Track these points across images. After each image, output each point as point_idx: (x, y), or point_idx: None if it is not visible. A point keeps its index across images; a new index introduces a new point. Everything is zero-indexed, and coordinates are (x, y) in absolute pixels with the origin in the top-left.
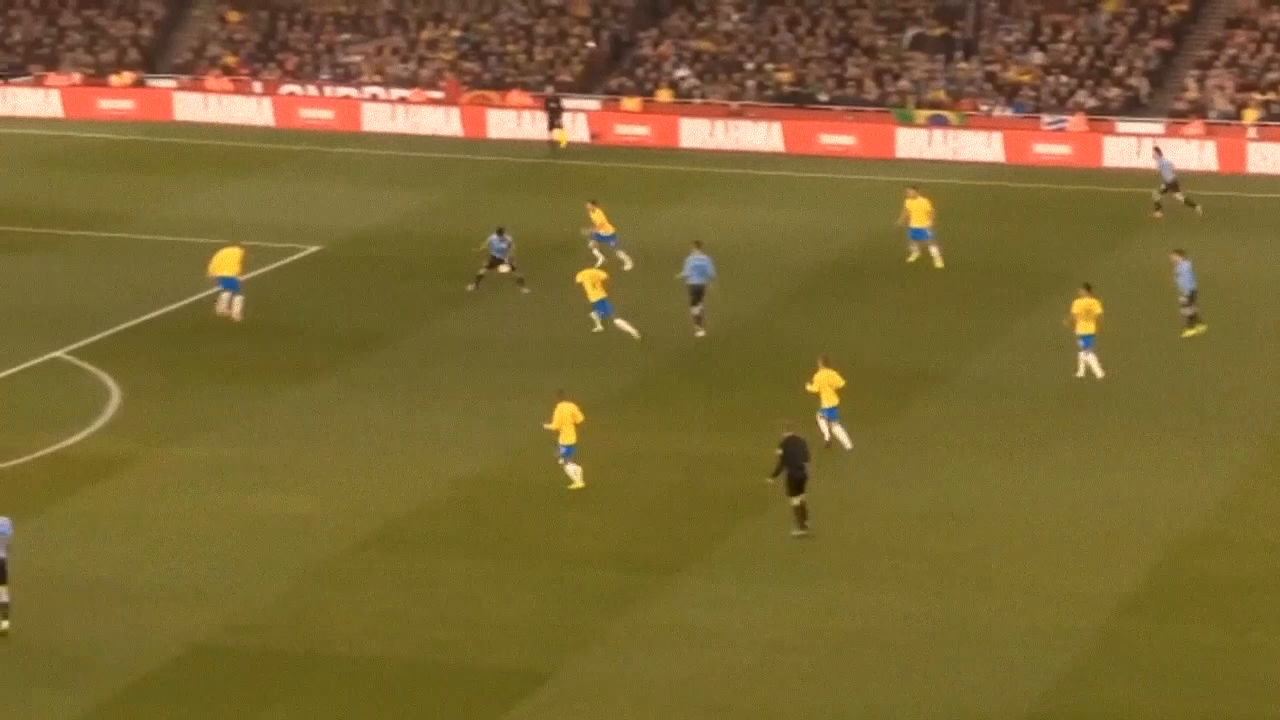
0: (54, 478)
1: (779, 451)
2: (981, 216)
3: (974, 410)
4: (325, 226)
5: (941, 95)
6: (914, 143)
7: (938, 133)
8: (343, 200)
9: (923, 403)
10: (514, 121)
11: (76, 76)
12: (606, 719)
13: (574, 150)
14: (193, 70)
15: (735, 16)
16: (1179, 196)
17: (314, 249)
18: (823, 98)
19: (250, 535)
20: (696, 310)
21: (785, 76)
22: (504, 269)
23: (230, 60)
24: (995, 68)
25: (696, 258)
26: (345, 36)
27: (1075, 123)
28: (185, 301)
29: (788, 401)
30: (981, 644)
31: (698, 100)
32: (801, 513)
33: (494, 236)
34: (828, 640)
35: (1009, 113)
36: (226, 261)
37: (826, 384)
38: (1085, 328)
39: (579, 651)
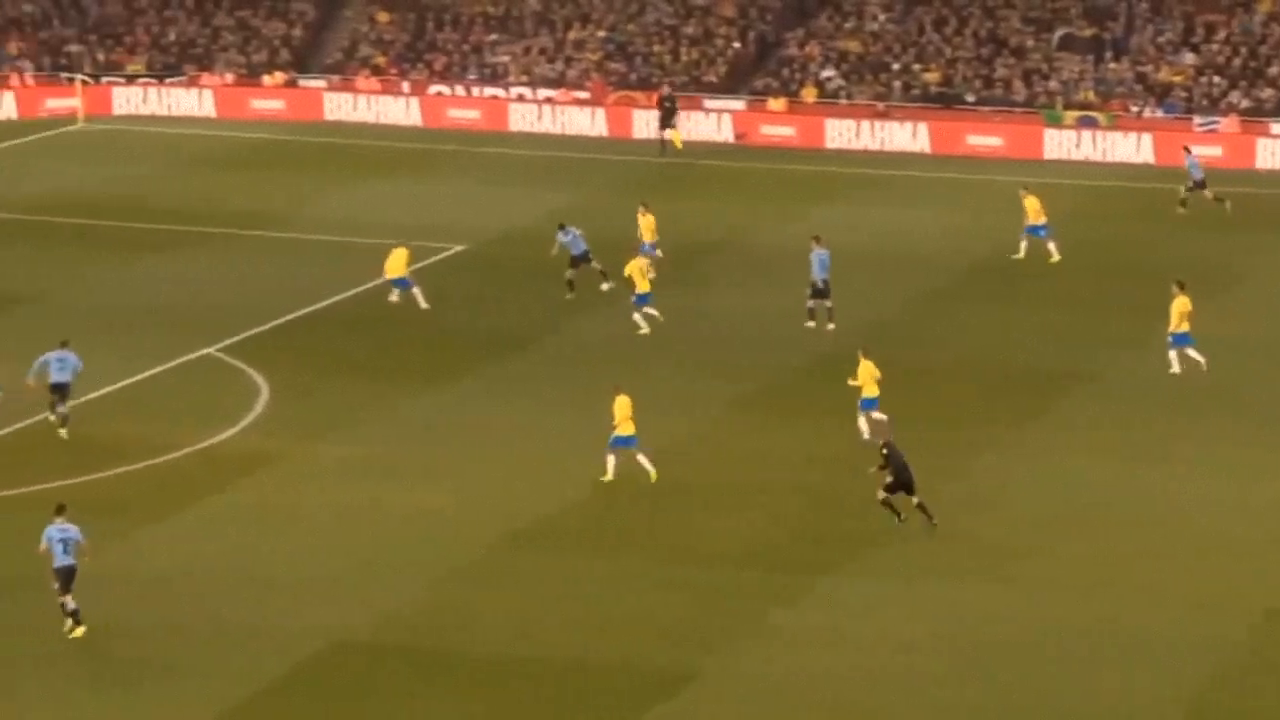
0: (203, 473)
1: (883, 456)
2: (1130, 218)
3: (1119, 412)
4: (471, 226)
5: (1091, 96)
6: (1062, 144)
7: (1086, 134)
8: (488, 200)
9: (1066, 404)
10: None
11: (229, 77)
12: (755, 716)
13: (719, 150)
14: (343, 70)
15: (882, 17)
16: (1207, 194)
17: (459, 248)
18: (969, 98)
19: (393, 532)
20: (818, 304)
21: (932, 77)
22: (594, 264)
23: (380, 60)
24: (1146, 68)
25: (819, 252)
26: (493, 37)
27: (1228, 124)
28: (333, 299)
29: (924, 401)
30: (1126, 648)
31: (843, 101)
32: (925, 510)
33: (559, 234)
34: (968, 643)
35: (1159, 114)
36: (395, 263)
37: (868, 376)
38: (1181, 326)
39: (719, 651)
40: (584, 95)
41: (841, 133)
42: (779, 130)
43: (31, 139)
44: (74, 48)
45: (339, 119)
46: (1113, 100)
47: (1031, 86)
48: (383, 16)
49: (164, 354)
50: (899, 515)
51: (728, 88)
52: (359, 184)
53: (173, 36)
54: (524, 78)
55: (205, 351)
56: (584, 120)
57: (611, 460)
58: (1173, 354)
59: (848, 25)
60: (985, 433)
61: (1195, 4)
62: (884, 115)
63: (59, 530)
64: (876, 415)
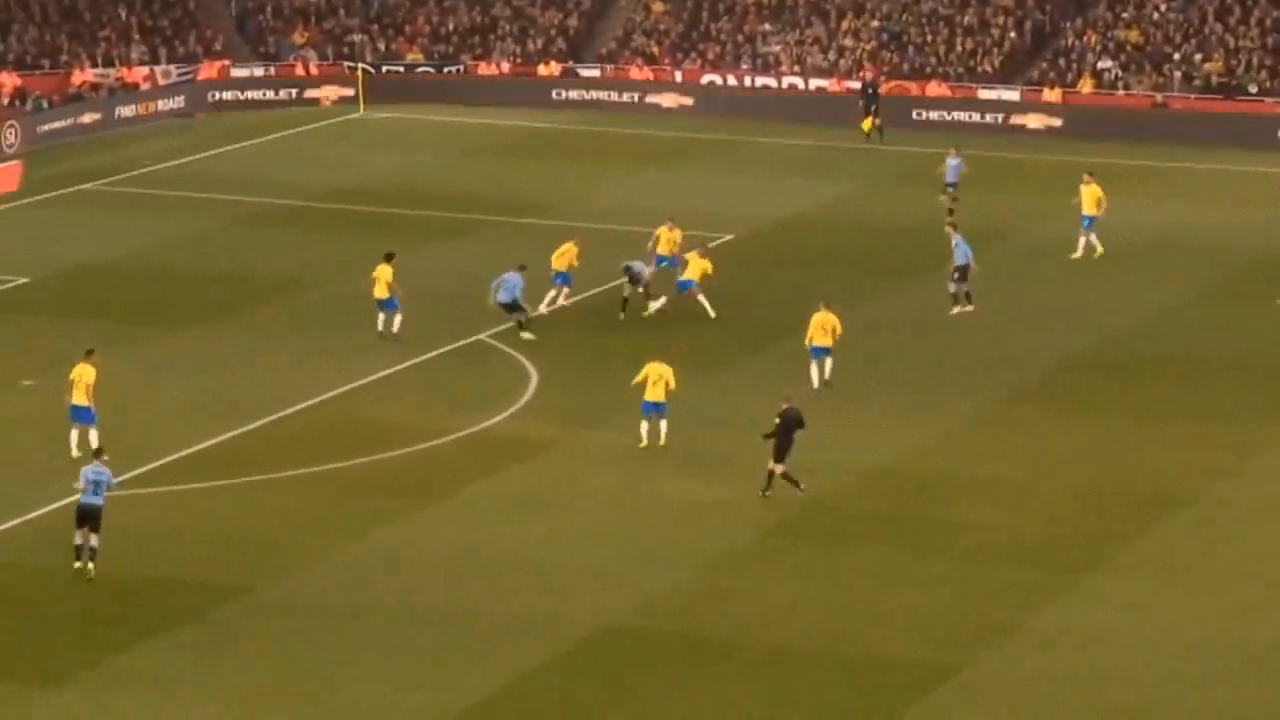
0: (474, 458)
1: (776, 421)
2: None
3: None
4: (740, 215)
5: None
6: None
7: None
8: (758, 189)
9: None
10: (933, 112)
11: (506, 66)
12: (1012, 717)
13: (991, 143)
14: (617, 59)
15: (1163, 6)
16: (943, 198)
17: (729, 237)
18: (1253, 90)
19: (661, 519)
20: (962, 288)
21: (1213, 67)
22: (640, 288)
23: (654, 50)
24: None
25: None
26: (766, 27)
27: None
28: (604, 287)
29: (1201, 399)
30: None
31: (1121, 92)
32: (772, 477)
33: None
34: (1243, 647)
35: None
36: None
37: (820, 326)
38: (1090, 210)
39: (985, 648)
40: (857, 85)
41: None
42: (1053, 121)
43: (313, 127)
44: (356, 37)
45: (613, 108)
46: None
47: None
48: (657, 6)
49: (438, 339)
50: (798, 485)
51: (1003, 78)
52: (632, 173)
53: (451, 26)
54: (796, 67)
55: (478, 337)
56: (855, 111)
57: (644, 426)
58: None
59: (1127, 14)
60: (1261, 432)
61: None
62: (1162, 106)
63: (94, 471)
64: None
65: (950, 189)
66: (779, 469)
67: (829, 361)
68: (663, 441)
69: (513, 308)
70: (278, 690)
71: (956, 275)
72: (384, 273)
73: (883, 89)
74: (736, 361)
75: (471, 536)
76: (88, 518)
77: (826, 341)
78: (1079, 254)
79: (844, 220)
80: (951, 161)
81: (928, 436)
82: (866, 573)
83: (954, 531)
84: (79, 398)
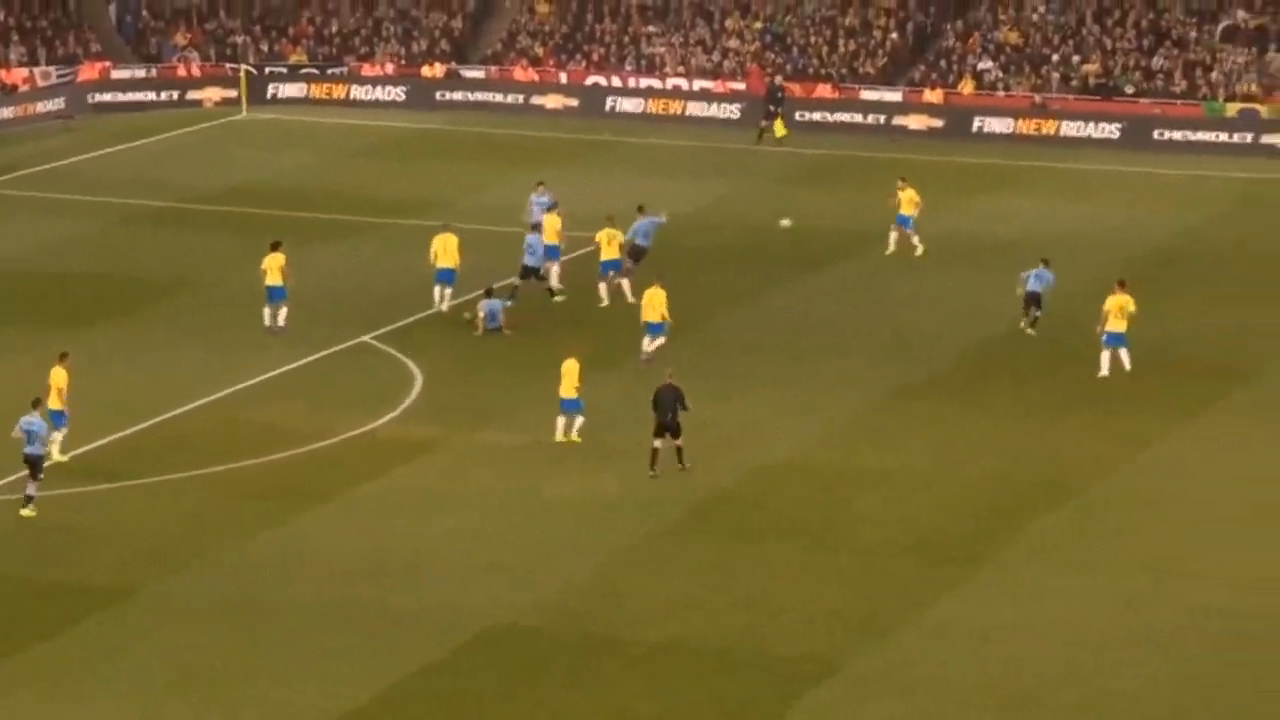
0: (361, 459)
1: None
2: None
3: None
4: (626, 215)
5: (1253, 88)
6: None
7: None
8: (645, 189)
9: (1231, 398)
10: (816, 113)
11: (389, 67)
12: (901, 711)
13: (874, 144)
14: (501, 61)
15: (1041, 8)
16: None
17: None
18: (1129, 90)
19: (551, 518)
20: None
21: (1091, 69)
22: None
23: (539, 51)
24: None
25: (1040, 272)
26: (651, 28)
27: None
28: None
29: (1088, 391)
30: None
31: (1001, 93)
32: (655, 455)
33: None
34: (1134, 636)
35: None
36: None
37: (651, 303)
38: (1116, 325)
39: (874, 641)
40: (740, 86)
41: (997, 124)
42: (933, 121)
43: (196, 128)
44: (238, 38)
45: (497, 109)
46: (1276, 92)
47: (1192, 79)
48: (543, 8)
49: (321, 341)
50: (652, 467)
51: (885, 79)
52: (516, 174)
53: (335, 28)
54: (681, 69)
55: (361, 339)
56: (740, 111)
57: (561, 422)
58: (1104, 355)
59: (1006, 17)
60: (1150, 424)
61: None
62: (1041, 107)
63: (26, 422)
64: (654, 345)
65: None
66: (657, 444)
67: (661, 339)
68: (575, 437)
69: (527, 272)
70: (173, 690)
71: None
72: (274, 261)
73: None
74: (624, 360)
75: (362, 536)
76: (35, 465)
77: (656, 319)
78: (891, 249)
79: (728, 220)
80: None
81: (821, 431)
82: (760, 568)
83: (847, 526)
84: (52, 402)
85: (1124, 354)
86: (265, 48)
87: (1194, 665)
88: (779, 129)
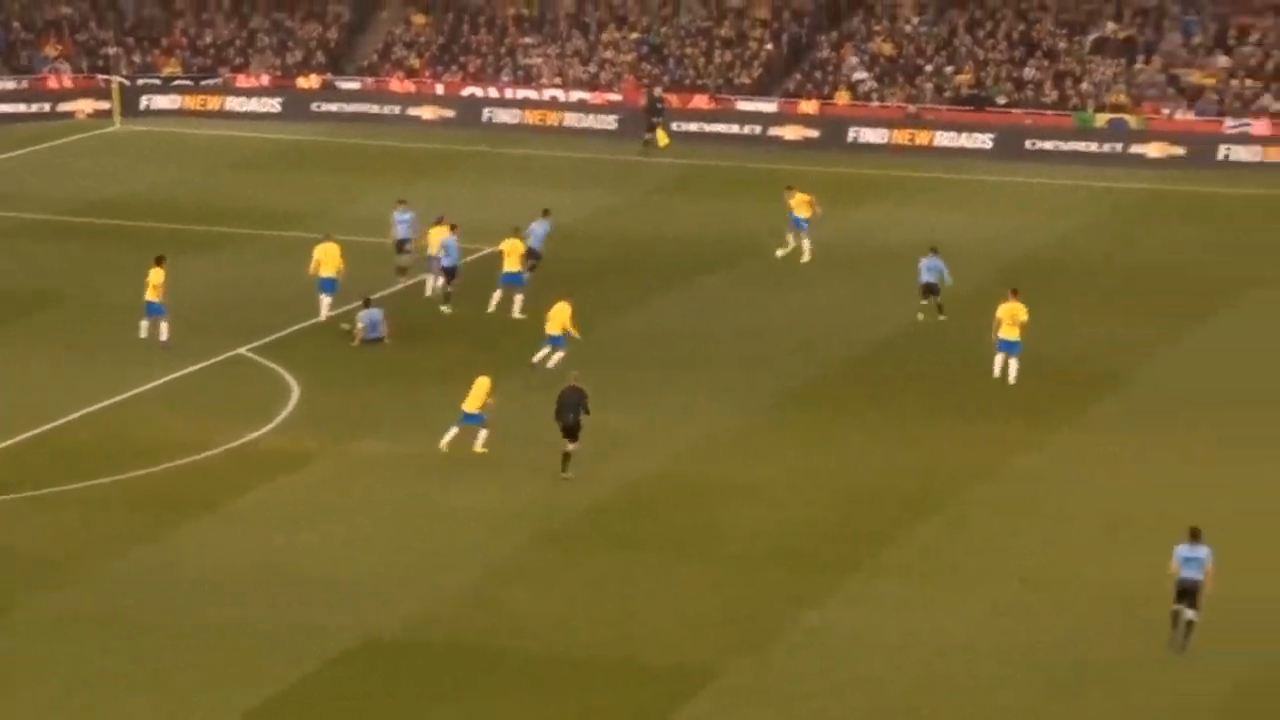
0: (238, 471)
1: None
2: (1161, 220)
3: (1148, 413)
4: (504, 227)
5: (1123, 99)
6: (1093, 146)
7: (1119, 136)
8: (523, 201)
9: (1101, 406)
10: (693, 124)
11: (265, 78)
12: (773, 718)
13: (755, 154)
14: (378, 72)
15: (915, 19)
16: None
17: (491, 250)
18: (1001, 101)
19: (428, 530)
20: (925, 301)
21: (964, 79)
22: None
23: (415, 62)
24: (1179, 71)
25: (930, 261)
26: (527, 40)
27: (1259, 127)
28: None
29: (961, 400)
30: (1157, 652)
31: (875, 103)
32: (565, 459)
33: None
34: (1001, 647)
35: (1191, 116)
36: (328, 260)
37: (555, 316)
38: (1009, 333)
39: (749, 651)
40: (617, 98)
41: (871, 134)
42: (809, 132)
43: (68, 140)
44: (111, 50)
45: (373, 121)
46: (1144, 103)
47: (1063, 89)
48: (418, 19)
49: (196, 354)
50: (564, 468)
51: (760, 90)
52: (393, 185)
53: (209, 39)
54: (557, 80)
55: (236, 351)
56: (618, 121)
57: (453, 432)
58: (997, 358)
59: (880, 28)
60: (1020, 432)
61: (1230, 5)
62: (915, 117)
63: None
64: (551, 357)
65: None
66: (570, 448)
67: (560, 353)
68: (480, 449)
69: (533, 254)
70: (48, 708)
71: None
72: (155, 276)
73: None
74: (514, 370)
75: (234, 551)
76: None
77: (558, 331)
78: (786, 251)
79: (605, 230)
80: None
81: (692, 443)
82: (635, 579)
83: (719, 537)
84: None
85: (1013, 364)
86: (138, 59)
87: (1060, 674)
88: (661, 138)
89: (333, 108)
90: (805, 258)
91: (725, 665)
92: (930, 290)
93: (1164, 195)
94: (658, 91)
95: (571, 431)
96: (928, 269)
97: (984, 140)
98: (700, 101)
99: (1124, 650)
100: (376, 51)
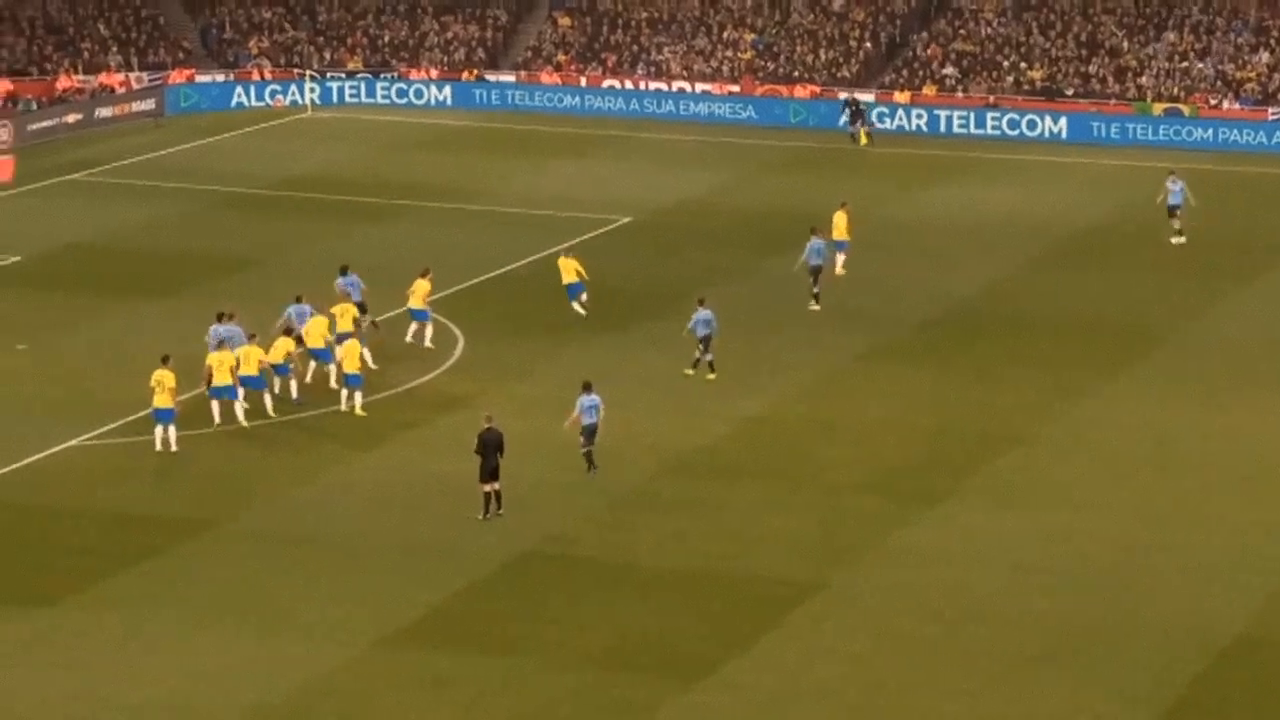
0: (409, 408)
1: (476, 441)
2: (1217, 196)
3: (1193, 366)
4: (637, 201)
5: (1176, 90)
6: (1150, 133)
7: (1173, 123)
8: (653, 178)
9: (1149, 358)
10: (803, 113)
11: (433, 72)
12: (874, 624)
13: (848, 136)
14: (529, 67)
15: (994, 21)
16: (1174, 224)
17: (626, 220)
18: (1069, 92)
19: (566, 460)
20: (816, 289)
21: (1036, 74)
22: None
23: (561, 59)
24: (1225, 67)
25: (816, 242)
26: (658, 39)
27: None
28: (520, 263)
29: (1032, 353)
30: (1196, 569)
31: (960, 94)
32: (487, 500)
33: (341, 279)
34: (1057, 562)
35: (1237, 106)
36: (417, 293)
37: (566, 268)
38: (840, 235)
39: (846, 566)
40: (736, 89)
41: (957, 121)
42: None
43: (267, 125)
44: (304, 48)
45: (526, 109)
46: (1195, 94)
47: (1124, 82)
48: (564, 21)
49: (381, 308)
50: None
51: (859, 82)
52: (542, 164)
53: (386, 38)
54: (684, 73)
55: (410, 306)
56: (736, 110)
57: (216, 405)
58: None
59: (964, 29)
60: (1080, 380)
61: (1269, 11)
62: (994, 106)
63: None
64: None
65: (1175, 211)
66: (488, 488)
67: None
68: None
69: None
70: (241, 609)
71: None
72: (420, 286)
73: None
74: (630, 327)
75: (405, 475)
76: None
77: (573, 279)
78: (840, 271)
79: (727, 204)
80: (1172, 186)
81: (793, 389)
82: (742, 505)
83: (817, 469)
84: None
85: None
86: (326, 55)
87: (1105, 585)
88: (863, 137)
89: (491, 97)
90: (840, 271)
91: (824, 578)
92: (815, 272)
93: (1215, 175)
94: (852, 96)
95: (495, 473)
96: (814, 250)
97: (1054, 127)
98: (804, 93)
99: (1163, 562)
100: (529, 49)
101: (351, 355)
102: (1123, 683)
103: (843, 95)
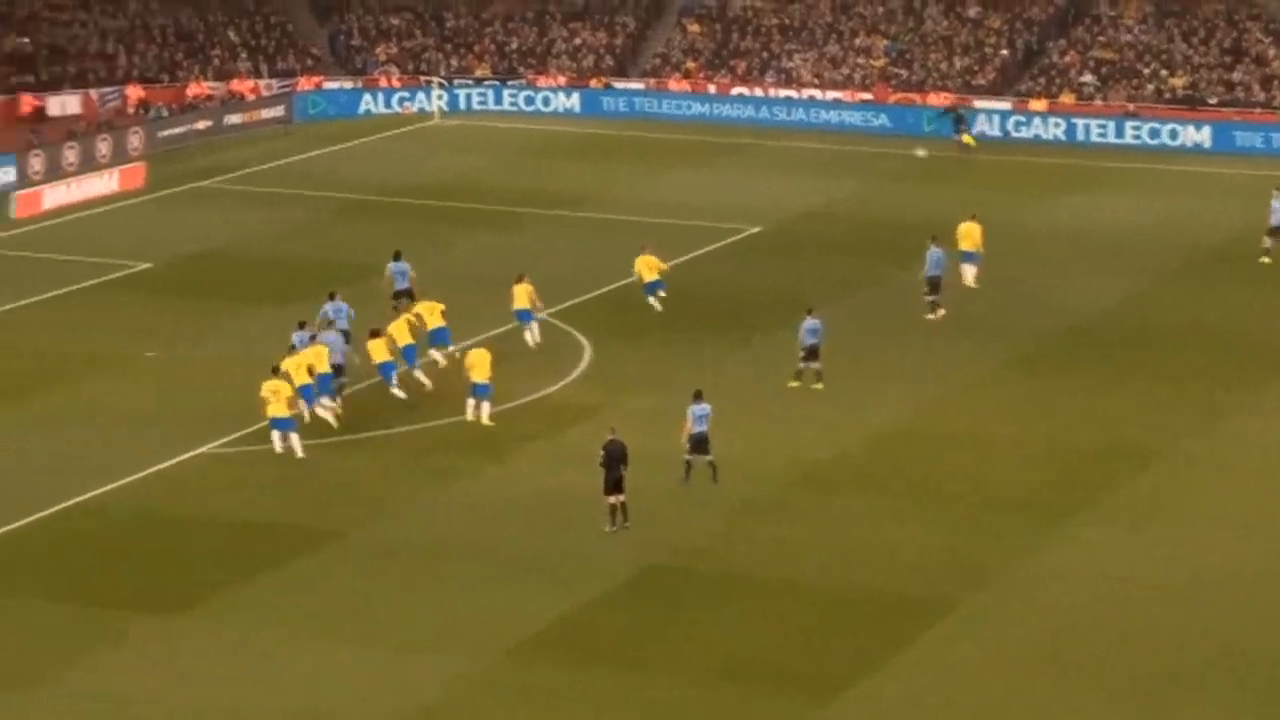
0: (534, 419)
1: (601, 453)
2: None
3: None
4: (766, 210)
5: None
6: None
7: None
8: (783, 187)
9: None
10: (936, 121)
11: (561, 79)
12: (1006, 644)
13: (988, 146)
14: (658, 74)
15: (1135, 28)
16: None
17: (755, 229)
18: (1211, 101)
19: (694, 472)
20: (933, 298)
21: (1178, 82)
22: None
23: (690, 65)
24: None
25: (935, 251)
26: (789, 45)
27: None
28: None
29: (1164, 367)
30: None
31: (1098, 102)
32: (613, 511)
33: (392, 263)
34: (1199, 581)
35: None
36: (520, 297)
37: (646, 266)
38: (967, 245)
39: (977, 585)
40: (868, 96)
41: (1095, 130)
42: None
43: (394, 132)
44: (431, 55)
45: (653, 116)
46: None
47: (1269, 90)
48: (694, 28)
49: (504, 318)
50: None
51: (995, 90)
52: (670, 172)
53: (514, 45)
54: (815, 80)
55: (541, 317)
56: (868, 118)
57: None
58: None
59: (1103, 36)
60: (1226, 397)
61: None
62: (1134, 115)
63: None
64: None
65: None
66: (613, 500)
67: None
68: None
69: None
70: (367, 619)
71: (928, 288)
72: (520, 290)
73: (954, 110)
74: (760, 338)
75: (533, 487)
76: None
77: (654, 276)
78: (970, 283)
79: (859, 214)
80: (1277, 204)
81: (925, 401)
82: (870, 519)
83: (949, 482)
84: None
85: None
86: (454, 62)
87: (1241, 606)
88: (968, 140)
89: (619, 105)
90: (970, 283)
91: (956, 596)
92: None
93: None
94: (953, 101)
95: (620, 485)
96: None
97: (1197, 137)
98: (940, 100)
99: None
100: (658, 56)
101: (482, 364)
102: (1256, 708)
103: (944, 104)
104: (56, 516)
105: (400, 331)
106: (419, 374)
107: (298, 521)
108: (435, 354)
